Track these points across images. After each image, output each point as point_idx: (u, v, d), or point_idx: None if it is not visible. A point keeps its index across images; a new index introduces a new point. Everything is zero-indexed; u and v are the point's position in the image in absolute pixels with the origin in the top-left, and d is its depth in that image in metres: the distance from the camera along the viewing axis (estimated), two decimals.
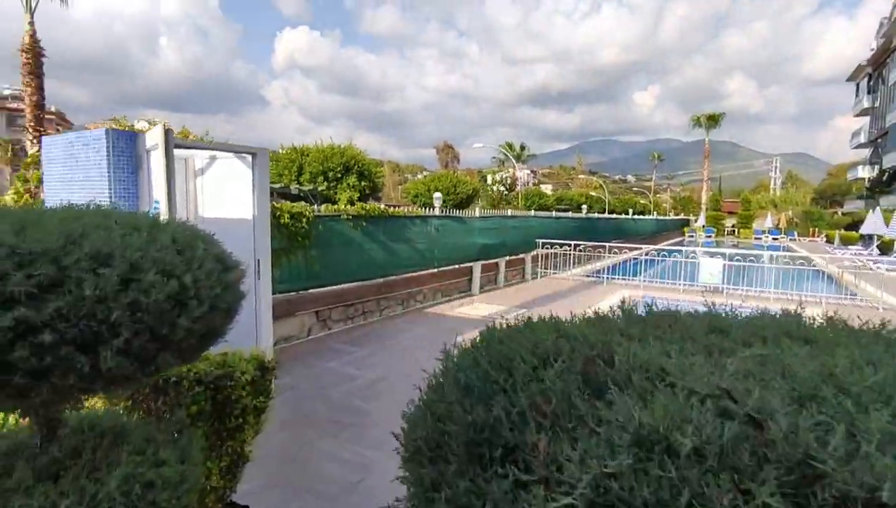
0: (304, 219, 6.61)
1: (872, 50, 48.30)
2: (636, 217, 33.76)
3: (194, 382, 2.53)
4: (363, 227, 7.87)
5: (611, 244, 14.60)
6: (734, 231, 51.85)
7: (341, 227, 7.48)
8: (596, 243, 16.00)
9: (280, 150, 16.78)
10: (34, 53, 13.25)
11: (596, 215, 23.05)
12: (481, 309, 9.32)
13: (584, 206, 22.56)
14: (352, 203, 14.73)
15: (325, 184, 16.92)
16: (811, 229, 48.58)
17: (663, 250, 14.06)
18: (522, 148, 45.63)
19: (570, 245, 14.34)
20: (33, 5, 13.50)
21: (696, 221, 50.81)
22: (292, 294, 6.72)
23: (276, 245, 6.33)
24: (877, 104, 46.69)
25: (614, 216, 26.93)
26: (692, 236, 49.70)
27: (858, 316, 1.80)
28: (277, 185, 13.69)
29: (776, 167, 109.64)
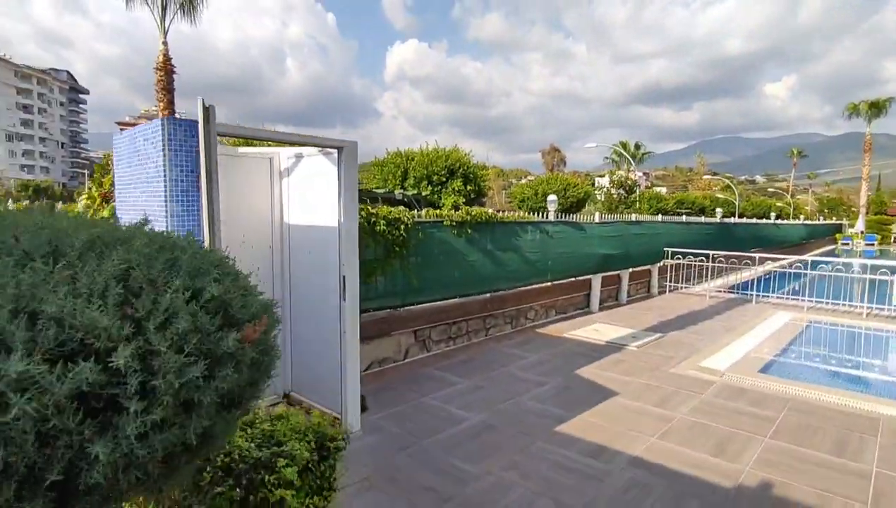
0: (403, 226, 5.78)
1: None
2: (779, 222, 29.31)
3: (219, 472, 1.66)
4: (468, 235, 6.89)
5: (759, 254, 12.16)
6: None
7: (443, 235, 6.56)
8: (733, 253, 13.58)
9: (385, 155, 16.57)
10: (166, 71, 14.20)
11: (732, 220, 20.01)
12: (603, 331, 7.89)
13: (719, 210, 19.63)
14: (456, 208, 13.98)
15: (430, 188, 16.37)
16: None
17: (828, 261, 11.40)
18: (637, 147, 42.11)
19: (705, 255, 12.21)
20: (167, 26, 14.50)
21: (851, 227, 43.46)
22: (387, 311, 5.91)
23: (371, 255, 5.57)
24: None
25: (753, 221, 23.40)
26: (847, 244, 42.58)
27: None
28: (381, 190, 13.33)
29: None
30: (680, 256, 12.30)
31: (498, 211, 10.72)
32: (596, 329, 8.00)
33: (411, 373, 5.72)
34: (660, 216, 13.03)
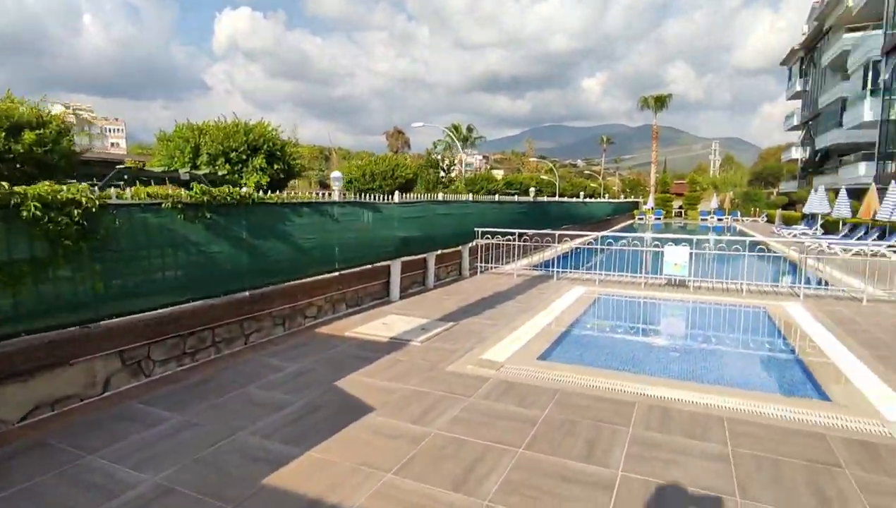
0: (78, 211, 4.11)
1: (804, 34, 49.12)
2: (588, 200, 32.42)
3: None
4: (207, 220, 5.42)
5: (560, 232, 12.64)
6: (682, 212, 52.07)
7: (164, 221, 5.00)
8: (543, 231, 14.08)
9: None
10: None
11: (545, 199, 21.22)
12: (393, 324, 7.08)
13: (532, 189, 20.66)
14: (261, 189, 12.13)
15: (228, 166, 14.19)
16: (751, 209, 49.33)
17: (619, 236, 12.28)
18: (470, 130, 43.40)
19: (517, 234, 12.31)
20: None
21: (645, 204, 50.58)
22: (64, 331, 4.23)
23: (20, 254, 3.84)
24: (808, 87, 47.56)
25: (564, 200, 25.32)
26: (642, 218, 49.43)
27: None
28: (158, 168, 10.93)
29: (715, 150, 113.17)
30: (490, 236, 12.22)
31: (323, 193, 9.30)
32: (385, 322, 7.16)
33: (100, 414, 4.15)
34: (470, 195, 12.81)
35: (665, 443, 3.77)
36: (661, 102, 48.70)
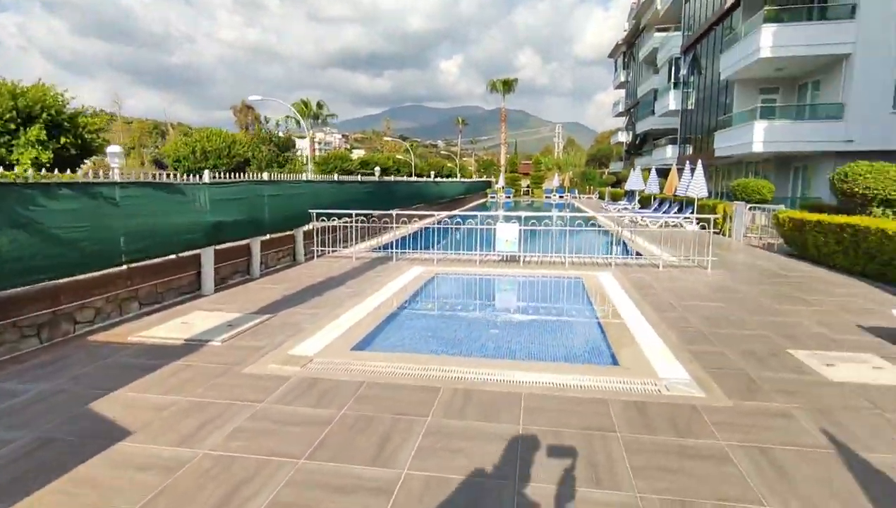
0: None
1: (626, 31, 55.35)
2: (439, 179, 32.96)
3: None
4: None
5: (398, 212, 12.40)
6: (529, 191, 55.96)
7: None
8: (388, 212, 13.77)
9: None
10: None
11: (393, 179, 20.93)
12: (195, 322, 6.18)
13: (378, 169, 20.15)
14: (40, 167, 9.84)
15: None
16: (587, 187, 54.88)
17: (467, 215, 12.45)
18: (320, 106, 41.26)
19: (350, 215, 11.76)
20: None
21: (496, 183, 53.31)
22: None
23: None
24: (630, 78, 53.85)
25: (415, 179, 25.34)
26: (493, 197, 52.05)
27: None
28: None
29: (559, 133, 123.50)
30: (326, 218, 11.55)
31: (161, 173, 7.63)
32: (186, 321, 6.22)
33: None
34: (304, 175, 11.93)
35: (459, 431, 3.65)
36: (508, 86, 51.44)
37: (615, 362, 5.14)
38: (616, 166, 58.49)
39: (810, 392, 4.34)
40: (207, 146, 20.32)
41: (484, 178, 61.49)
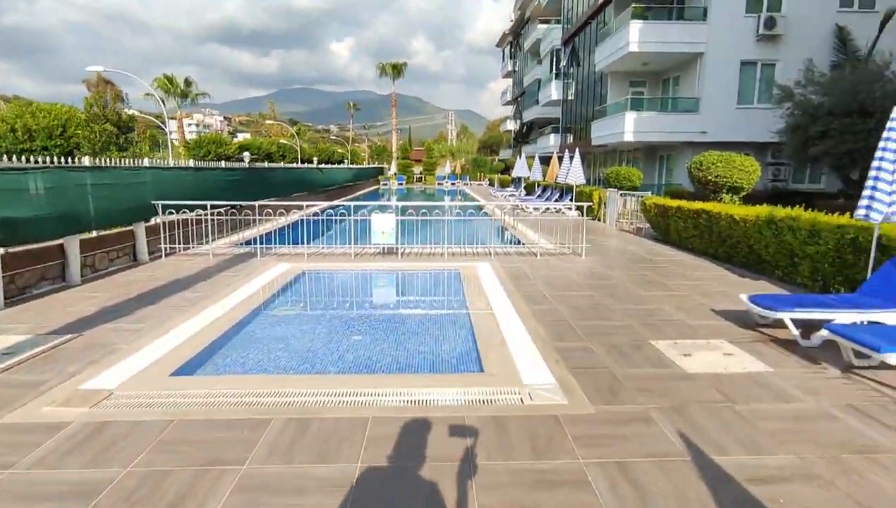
0: None
1: (512, 21, 56.82)
2: (324, 166, 31.31)
3: None
4: None
5: (267, 203, 11.12)
6: (422, 177, 55.76)
7: None
8: (260, 203, 12.41)
9: None
10: None
11: (267, 165, 19.21)
12: None
13: (246, 154, 18.30)
14: None
15: None
16: (478, 174, 55.96)
17: (342, 205, 11.52)
18: (189, 83, 37.03)
19: (205, 206, 10.33)
20: None
21: (389, 169, 52.35)
22: None
23: None
24: (516, 68, 55.50)
25: (295, 166, 23.66)
26: (386, 184, 51.09)
27: None
28: None
29: (452, 120, 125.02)
30: (176, 211, 10.02)
31: None
32: None
33: None
34: (146, 160, 10.23)
35: (280, 480, 2.93)
36: (398, 70, 50.44)
37: (481, 367, 4.72)
38: (506, 153, 60.30)
39: (669, 388, 4.23)
40: (33, 124, 17.07)
41: (376, 165, 60.19)
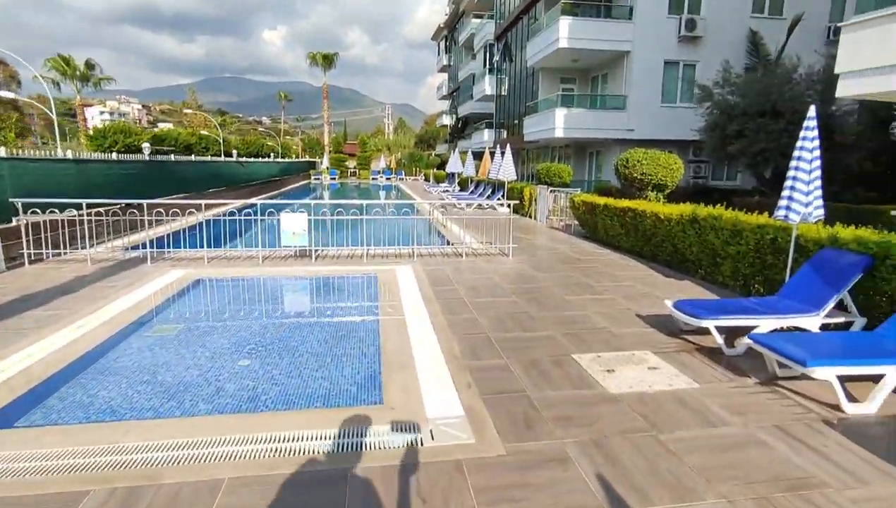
0: None
1: (447, 14, 56.28)
2: (247, 160, 29.40)
3: None
4: None
5: (151, 201, 9.78)
6: (356, 172, 54.17)
7: None
8: (162, 201, 11.05)
9: None
10: None
11: (174, 159, 17.49)
12: None
13: (146, 146, 16.42)
14: None
15: None
16: (414, 169, 55.17)
17: (259, 204, 10.41)
18: (91, 66, 33.38)
19: (114, 204, 8.95)
20: None
21: (321, 163, 50.41)
22: None
23: None
24: (452, 62, 55.09)
25: (210, 159, 21.86)
26: (318, 179, 49.21)
27: None
28: None
29: (389, 114, 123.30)
30: (41, 210, 8.58)
31: None
32: None
33: None
34: (1, 150, 8.67)
35: None
36: (329, 60, 48.48)
37: (381, 397, 4.04)
38: (442, 148, 59.85)
39: (590, 415, 3.75)
40: None
41: (307, 159, 57.90)
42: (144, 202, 8.85)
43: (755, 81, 15.85)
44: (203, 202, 8.96)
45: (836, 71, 8.18)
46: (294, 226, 8.90)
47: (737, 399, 4.04)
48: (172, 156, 17.32)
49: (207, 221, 10.34)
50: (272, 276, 8.30)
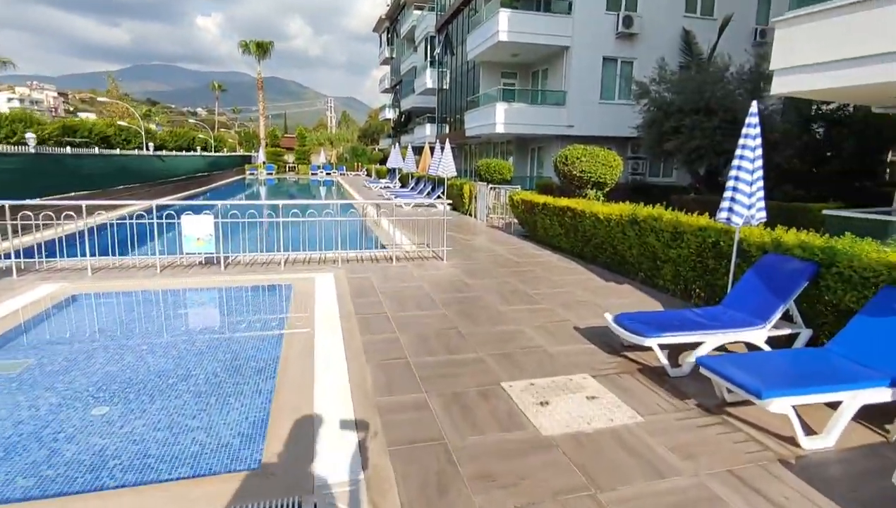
0: None
1: (388, 5, 54.85)
2: (166, 153, 27.16)
3: None
4: None
5: (15, 203, 8.22)
6: (294, 167, 51.92)
7: None
8: (41, 202, 9.51)
9: None
10: None
11: (70, 151, 15.50)
12: None
13: (30, 136, 14.29)
14: None
15: None
16: (356, 164, 53.61)
17: (165, 205, 9.09)
18: None
19: None
20: None
21: (257, 157, 47.90)
22: None
23: None
24: (394, 55, 53.80)
25: (118, 153, 19.80)
26: (253, 174, 46.75)
27: None
28: None
29: (331, 107, 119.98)
30: None
31: None
32: None
33: None
34: None
35: None
36: (263, 49, 45.95)
37: (260, 455, 3.21)
38: (385, 143, 58.48)
39: (517, 469, 3.08)
40: None
41: (243, 152, 54.97)
42: (6, 203, 7.39)
43: (690, 79, 15.99)
44: (83, 204, 7.63)
45: (771, 67, 8.02)
46: (198, 230, 7.79)
47: (685, 436, 3.51)
48: (69, 149, 15.28)
49: (102, 225, 8.96)
50: (166, 290, 7.18)
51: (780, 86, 7.87)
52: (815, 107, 14.40)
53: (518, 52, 21.95)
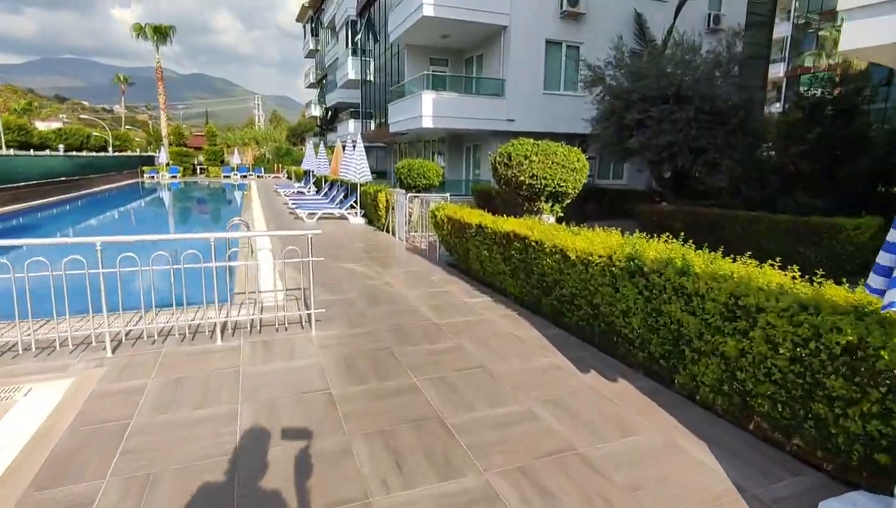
0: None
1: None
2: (21, 152, 21.63)
3: None
4: None
5: None
6: (204, 169, 46.02)
7: None
8: None
9: None
10: None
11: None
12: None
13: None
14: None
15: None
16: (276, 165, 48.45)
17: None
18: None
19: None
20: None
21: (159, 158, 41.78)
22: None
23: None
24: (319, 47, 49.05)
25: None
26: (153, 176, 40.73)
27: None
28: None
29: (259, 105, 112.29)
30: None
31: None
32: None
33: None
34: None
35: None
36: (162, 34, 39.90)
37: None
38: (312, 142, 53.56)
39: None
40: None
41: (150, 152, 48.32)
42: None
43: (653, 62, 13.12)
44: None
45: (840, 7, 4.90)
46: None
47: None
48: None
49: None
50: None
51: (859, 38, 4.76)
52: (824, 91, 11.55)
53: (448, 32, 18.51)
